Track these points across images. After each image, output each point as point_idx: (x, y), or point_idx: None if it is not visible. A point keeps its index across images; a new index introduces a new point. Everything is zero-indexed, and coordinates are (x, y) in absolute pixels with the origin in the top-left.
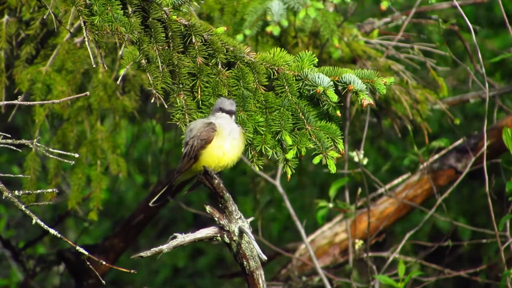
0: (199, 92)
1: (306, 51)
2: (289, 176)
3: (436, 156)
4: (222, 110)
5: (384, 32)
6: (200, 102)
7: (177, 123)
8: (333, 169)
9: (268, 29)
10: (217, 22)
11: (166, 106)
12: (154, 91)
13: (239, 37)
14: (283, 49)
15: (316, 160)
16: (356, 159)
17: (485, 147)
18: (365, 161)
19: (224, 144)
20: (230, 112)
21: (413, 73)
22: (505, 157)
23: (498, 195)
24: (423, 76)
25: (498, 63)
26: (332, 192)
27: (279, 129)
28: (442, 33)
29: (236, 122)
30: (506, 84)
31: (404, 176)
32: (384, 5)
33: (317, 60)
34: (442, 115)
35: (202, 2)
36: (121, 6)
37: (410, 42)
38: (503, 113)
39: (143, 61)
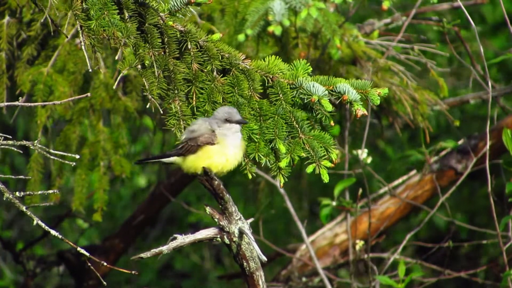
0: (194, 98)
1: (307, 52)
2: (281, 184)
3: (437, 157)
4: (230, 121)
5: (384, 33)
6: (195, 108)
7: (172, 129)
8: (326, 178)
9: (270, 29)
10: (218, 22)
11: (161, 112)
12: (150, 97)
13: (241, 37)
14: (278, 57)
15: (309, 169)
16: (360, 158)
17: (487, 147)
18: (369, 160)
19: (227, 151)
20: (240, 122)
21: (413, 73)
22: (505, 158)
23: (498, 195)
24: (423, 75)
25: (496, 63)
26: (336, 192)
27: (273, 137)
28: (446, 33)
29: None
30: (505, 84)
31: (405, 177)
32: (385, 5)
33: (311, 69)
34: (441, 115)
35: (199, 8)
36: (117, 11)
37: (410, 43)
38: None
39: (139, 66)
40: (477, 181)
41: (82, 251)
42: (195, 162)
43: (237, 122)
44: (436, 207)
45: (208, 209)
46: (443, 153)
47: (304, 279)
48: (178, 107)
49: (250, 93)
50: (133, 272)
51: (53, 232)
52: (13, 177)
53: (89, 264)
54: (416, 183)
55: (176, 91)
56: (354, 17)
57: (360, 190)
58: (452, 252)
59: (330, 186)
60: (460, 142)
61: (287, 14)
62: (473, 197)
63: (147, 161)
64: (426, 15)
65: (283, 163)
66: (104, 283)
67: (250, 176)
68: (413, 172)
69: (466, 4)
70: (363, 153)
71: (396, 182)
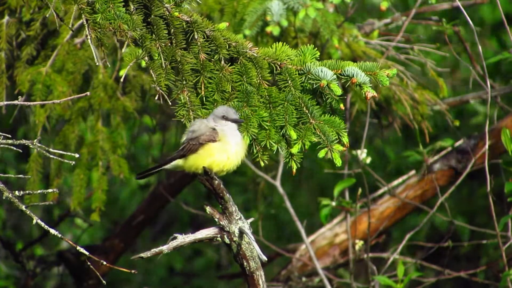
0: (202, 88)
1: None
2: (294, 170)
3: (437, 157)
4: (227, 119)
5: (384, 33)
6: (204, 98)
7: (181, 120)
8: (338, 162)
9: (268, 29)
10: (217, 22)
11: (169, 103)
12: (158, 88)
13: (239, 37)
14: (285, 43)
15: (321, 154)
16: (359, 158)
17: (486, 147)
18: (368, 160)
19: (228, 148)
20: (236, 121)
21: (413, 73)
22: (504, 158)
23: (498, 195)
24: (423, 75)
25: (495, 64)
26: (336, 192)
27: (284, 124)
28: (446, 34)
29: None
30: (504, 84)
31: (405, 177)
32: (384, 5)
33: (318, 53)
34: (441, 116)
35: (199, 4)
36: (123, 3)
37: (410, 43)
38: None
39: (146, 58)
40: (477, 180)
41: (82, 250)
42: (196, 161)
43: (234, 121)
44: (435, 207)
45: (208, 209)
46: (443, 153)
47: (304, 279)
48: (187, 98)
49: (258, 80)
50: (132, 271)
51: (52, 231)
52: (13, 176)
53: (88, 263)
54: (416, 183)
55: (184, 82)
56: (355, 17)
57: (360, 190)
58: (451, 252)
59: (330, 186)
60: (460, 142)
61: (285, 14)
62: (472, 196)
63: (150, 173)
64: (425, 15)
65: (295, 149)
66: (104, 282)
67: (262, 164)
68: (413, 172)
69: (466, 5)
70: (362, 153)
71: (396, 182)
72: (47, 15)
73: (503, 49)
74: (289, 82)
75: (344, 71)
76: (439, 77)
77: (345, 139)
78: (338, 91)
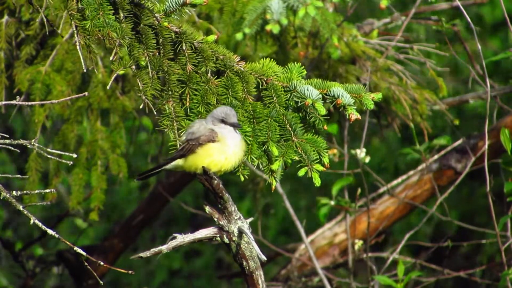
0: (187, 100)
1: (306, 51)
2: (273, 187)
3: (436, 156)
4: (225, 122)
5: (384, 32)
6: (189, 109)
7: (165, 130)
8: (317, 182)
9: (268, 27)
10: (217, 22)
11: (155, 113)
12: (144, 97)
13: (239, 35)
14: (277, 56)
15: (301, 173)
16: (358, 157)
17: (486, 147)
18: (367, 159)
19: (226, 150)
20: (234, 125)
21: (412, 73)
22: (504, 158)
23: (497, 195)
24: (422, 74)
25: (495, 65)
26: (334, 191)
27: (266, 140)
28: (444, 33)
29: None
30: (504, 84)
31: (404, 177)
32: (383, 4)
33: (305, 72)
34: (440, 116)
35: (195, 9)
36: (113, 11)
37: (410, 43)
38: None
39: (133, 67)
40: (477, 180)
41: (79, 250)
42: (195, 161)
43: (232, 125)
44: (435, 207)
45: (207, 209)
46: (443, 152)
47: (303, 278)
48: (172, 108)
49: (244, 95)
50: (129, 272)
51: (50, 231)
52: (11, 176)
53: (86, 264)
54: (415, 182)
55: (170, 92)
56: (352, 17)
57: (359, 190)
58: (450, 251)
59: (330, 185)
60: (460, 141)
61: (285, 13)
62: (472, 196)
63: (151, 173)
64: (424, 15)
65: (275, 166)
66: (101, 282)
67: (242, 178)
68: (412, 171)
69: (465, 4)
70: (361, 153)
71: (395, 182)
72: (37, 20)
73: (503, 49)
74: (274, 98)
75: (330, 91)
76: (439, 77)
77: (326, 160)
78: (323, 110)
